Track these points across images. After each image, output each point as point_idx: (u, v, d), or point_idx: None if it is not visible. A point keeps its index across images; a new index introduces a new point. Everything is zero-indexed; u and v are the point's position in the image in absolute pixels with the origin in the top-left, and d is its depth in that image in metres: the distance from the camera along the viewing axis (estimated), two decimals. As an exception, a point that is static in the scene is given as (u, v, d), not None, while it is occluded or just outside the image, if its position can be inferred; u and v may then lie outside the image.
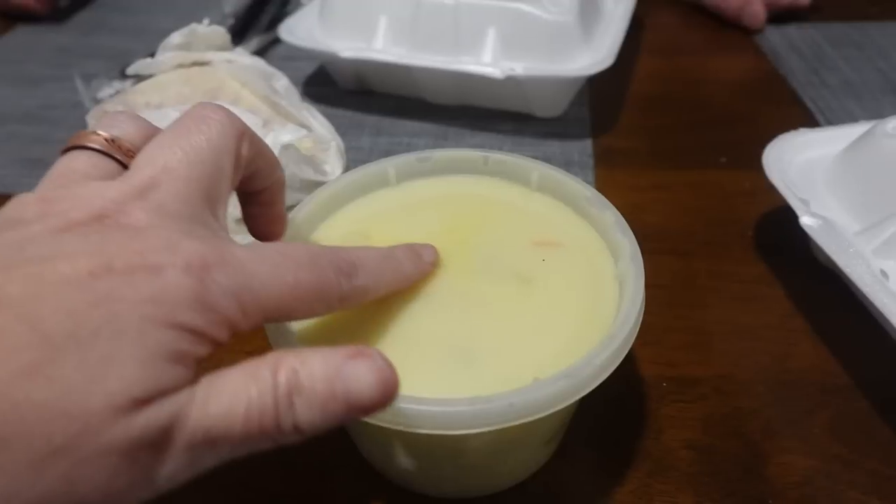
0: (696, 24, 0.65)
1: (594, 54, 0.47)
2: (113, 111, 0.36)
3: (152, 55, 0.42)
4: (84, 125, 0.52)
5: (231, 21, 0.58)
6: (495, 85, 0.47)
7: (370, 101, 0.53)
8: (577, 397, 0.21)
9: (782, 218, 0.41)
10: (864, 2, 0.65)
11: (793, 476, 0.29)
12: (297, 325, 0.24)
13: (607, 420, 0.31)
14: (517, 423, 0.21)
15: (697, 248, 0.40)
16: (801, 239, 0.38)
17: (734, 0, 0.61)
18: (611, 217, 0.27)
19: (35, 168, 0.47)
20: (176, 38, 0.39)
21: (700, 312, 0.36)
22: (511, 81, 0.46)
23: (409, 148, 0.48)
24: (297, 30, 0.51)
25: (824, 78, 0.54)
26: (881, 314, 0.28)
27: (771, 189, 0.42)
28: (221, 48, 0.41)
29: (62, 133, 0.51)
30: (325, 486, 0.28)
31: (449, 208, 0.29)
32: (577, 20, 0.46)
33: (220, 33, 0.40)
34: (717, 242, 0.40)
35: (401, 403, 0.20)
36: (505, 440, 0.24)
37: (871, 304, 0.28)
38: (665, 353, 0.34)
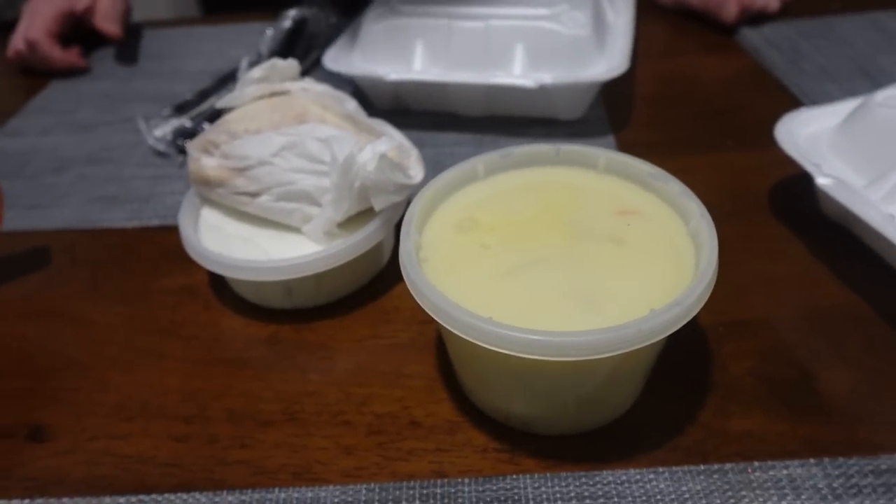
0: (681, 29, 0.73)
1: (609, 61, 0.54)
2: (216, 135, 0.41)
3: (203, 92, 0.46)
4: (148, 160, 0.57)
5: (267, 59, 0.63)
6: (524, 94, 0.53)
7: (408, 119, 0.58)
8: (686, 320, 0.27)
9: (791, 186, 0.48)
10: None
11: (839, 388, 0.34)
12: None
13: (682, 361, 0.36)
14: (643, 345, 0.26)
15: (724, 218, 0.45)
16: (811, 201, 0.45)
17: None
18: (676, 187, 0.33)
19: (111, 204, 0.52)
20: (257, 72, 0.44)
21: (735, 269, 0.42)
22: (540, 90, 0.52)
23: (452, 156, 0.54)
24: (339, 59, 0.57)
25: (802, 67, 0.62)
26: (894, 248, 0.34)
27: (776, 163, 0.49)
28: (294, 79, 0.46)
29: (129, 170, 0.56)
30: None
31: (536, 193, 0.35)
32: (591, 33, 0.53)
33: (294, 66, 0.46)
34: (739, 212, 0.47)
35: (551, 337, 0.26)
36: (624, 368, 0.29)
37: (885, 240, 0.35)
38: (714, 304, 0.39)
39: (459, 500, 0.31)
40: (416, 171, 0.41)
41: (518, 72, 0.53)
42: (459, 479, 0.32)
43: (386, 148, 0.38)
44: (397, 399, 0.36)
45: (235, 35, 0.79)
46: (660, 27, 0.73)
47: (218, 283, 0.44)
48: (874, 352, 0.36)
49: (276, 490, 0.32)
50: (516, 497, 0.31)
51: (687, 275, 0.30)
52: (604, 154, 0.36)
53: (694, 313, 0.27)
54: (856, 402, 0.34)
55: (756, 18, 0.71)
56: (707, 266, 0.28)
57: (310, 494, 0.32)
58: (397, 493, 0.31)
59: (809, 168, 0.39)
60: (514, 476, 0.32)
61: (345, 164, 0.37)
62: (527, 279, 0.30)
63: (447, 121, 0.58)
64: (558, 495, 0.31)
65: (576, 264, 0.30)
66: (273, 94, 0.45)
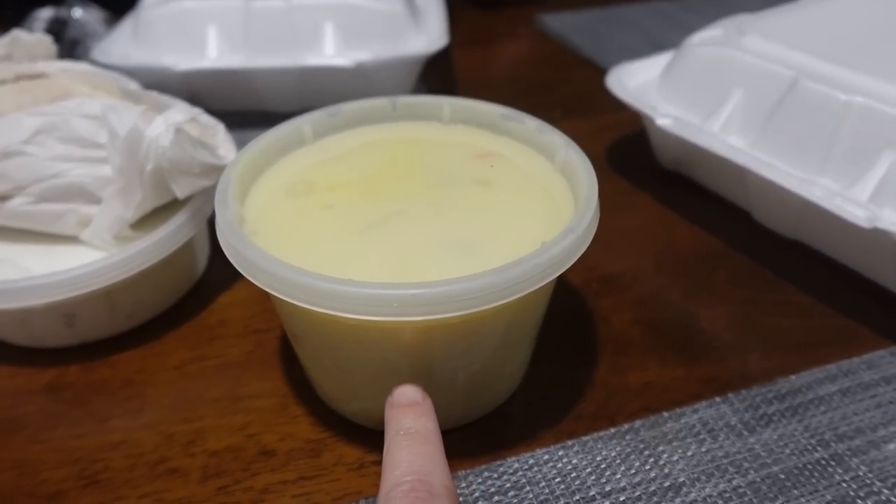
0: (482, 20, 0.73)
1: (428, 36, 0.50)
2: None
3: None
4: None
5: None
6: (341, 78, 0.47)
7: (208, 119, 0.50)
8: (583, 249, 0.23)
9: (623, 146, 0.48)
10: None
11: (719, 322, 0.33)
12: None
13: (564, 324, 0.33)
14: (544, 283, 0.22)
15: (568, 181, 0.44)
16: (646, 156, 0.45)
17: None
18: (532, 123, 0.30)
19: None
20: (-7, 50, 0.34)
21: (593, 228, 0.40)
22: (357, 72, 0.47)
23: (268, 152, 0.46)
24: (112, 51, 0.47)
25: (605, 46, 0.64)
26: (737, 167, 0.34)
27: (605, 128, 0.49)
28: (47, 58, 0.36)
29: None
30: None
31: (378, 151, 0.30)
32: (404, 8, 0.49)
33: (46, 42, 0.36)
34: (581, 175, 0.45)
35: (435, 288, 0.20)
36: (516, 325, 0.24)
37: (733, 167, 0.34)
38: (583, 261, 0.37)
39: (340, 535, 0.24)
40: (227, 150, 0.33)
41: (330, 52, 0.47)
42: (335, 509, 0.25)
43: (182, 118, 0.30)
44: (238, 428, 0.28)
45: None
46: (464, 20, 0.73)
47: (-36, 330, 0.33)
48: (740, 283, 0.35)
49: (75, 585, 0.22)
50: (411, 513, 0.24)
51: (566, 210, 0.26)
52: (447, 102, 0.31)
53: (588, 241, 0.24)
54: (738, 333, 0.32)
55: (550, 7, 0.73)
56: (590, 193, 0.25)
57: (127, 578, 0.23)
58: (254, 546, 0.23)
59: (647, 111, 0.38)
60: (404, 489, 0.25)
61: (129, 140, 0.29)
62: (386, 234, 0.24)
63: (255, 120, 0.50)
64: (460, 499, 0.25)
65: (442, 212, 0.25)
66: (20, 78, 0.35)
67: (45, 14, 0.58)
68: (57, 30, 0.58)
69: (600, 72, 0.57)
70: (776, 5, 0.43)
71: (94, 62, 0.47)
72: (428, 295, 0.20)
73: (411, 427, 0.19)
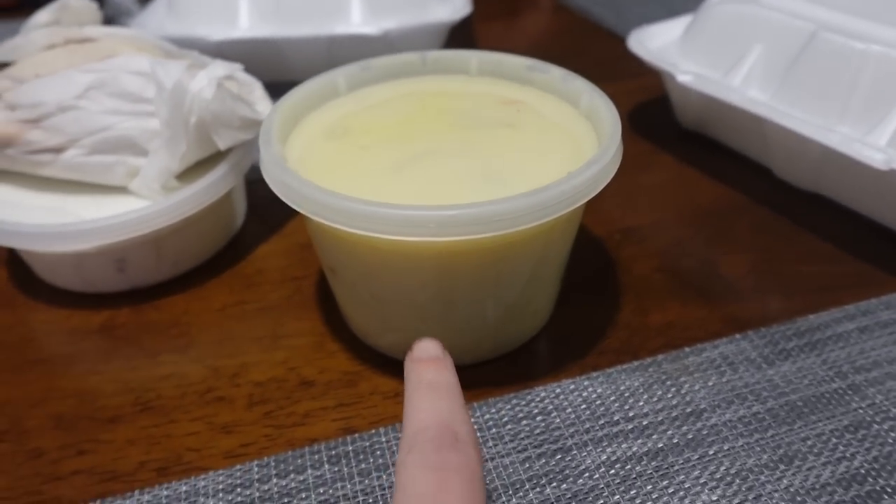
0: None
1: (452, 5, 0.51)
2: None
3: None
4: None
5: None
6: (368, 46, 0.49)
7: (240, 89, 0.52)
8: (607, 180, 0.24)
9: (646, 109, 0.49)
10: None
11: (741, 268, 0.34)
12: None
13: (587, 271, 0.34)
14: (571, 208, 0.23)
15: (591, 143, 0.46)
16: (668, 117, 0.46)
17: None
18: (557, 72, 0.31)
19: None
20: (44, 15, 0.36)
21: (615, 183, 0.41)
22: (383, 40, 0.48)
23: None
24: (148, 24, 0.49)
25: (626, 17, 0.64)
26: (757, 120, 0.35)
27: (627, 93, 0.50)
28: (93, 24, 0.38)
29: None
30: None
31: (409, 101, 0.31)
32: (429, -22, 0.51)
33: (93, 8, 0.38)
34: (603, 137, 0.46)
35: (471, 209, 0.21)
36: (546, 258, 0.26)
37: (754, 119, 0.35)
38: (603, 214, 0.38)
39: (378, 453, 0.25)
40: (264, 106, 0.35)
41: (357, 20, 0.49)
42: (374, 431, 0.26)
43: (223, 73, 0.32)
44: (280, 362, 0.30)
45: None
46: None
47: (23, 279, 0.35)
48: (761, 233, 0.36)
49: (136, 493, 0.24)
50: (444, 434, 0.26)
51: (590, 149, 0.27)
52: (475, 55, 0.33)
53: (612, 174, 0.25)
54: (759, 278, 0.33)
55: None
56: (613, 131, 0.26)
57: (184, 488, 0.24)
58: (299, 461, 0.25)
59: (668, 68, 0.39)
60: (437, 414, 0.27)
61: (174, 93, 0.30)
62: (420, 170, 0.25)
63: (286, 89, 0.52)
64: (491, 422, 0.26)
65: (471, 150, 0.26)
66: (69, 42, 0.36)
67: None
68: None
69: (621, 41, 0.58)
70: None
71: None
72: (462, 216, 0.21)
73: (433, 379, 0.19)
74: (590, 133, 0.28)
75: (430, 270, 0.24)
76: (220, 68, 0.32)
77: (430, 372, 0.19)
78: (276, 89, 0.51)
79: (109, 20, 0.61)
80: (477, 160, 0.26)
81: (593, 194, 0.24)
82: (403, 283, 0.25)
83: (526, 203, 0.22)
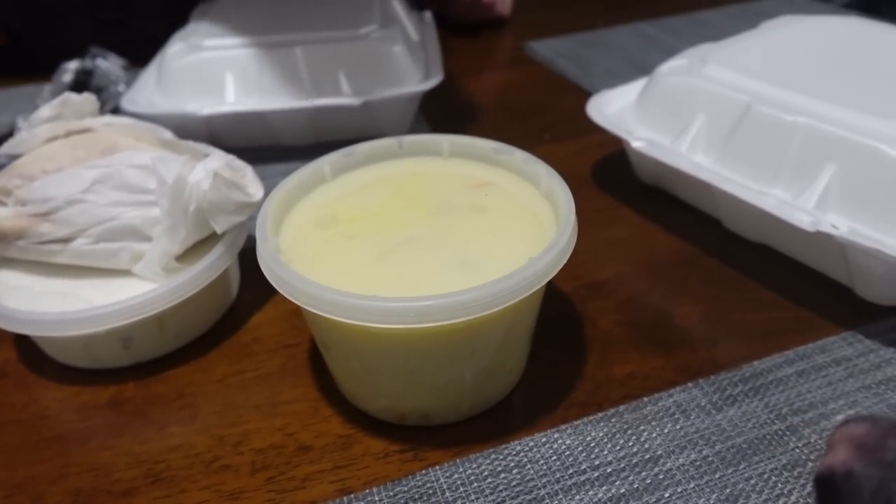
0: (474, 50, 0.78)
1: (425, 73, 0.55)
2: (5, 180, 0.36)
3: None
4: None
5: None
6: (348, 113, 0.52)
7: (228, 157, 0.55)
8: (563, 262, 0.28)
9: (607, 164, 0.53)
10: (591, 17, 0.83)
11: (693, 319, 0.37)
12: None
13: (556, 327, 0.37)
14: (531, 292, 0.26)
15: (557, 199, 0.49)
16: (628, 172, 0.50)
17: None
18: (520, 155, 0.35)
19: None
20: (46, 111, 0.39)
21: (580, 240, 0.44)
22: (364, 107, 0.52)
23: (284, 185, 0.51)
24: (139, 100, 0.52)
25: (590, 70, 0.69)
26: (705, 185, 0.39)
27: (590, 148, 0.54)
28: (93, 115, 0.41)
29: None
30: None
31: (388, 184, 0.34)
32: (403, 49, 0.54)
33: (92, 100, 0.41)
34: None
35: (443, 300, 0.25)
36: (515, 326, 0.29)
37: (699, 183, 0.39)
38: (571, 270, 0.41)
39: (372, 512, 0.28)
40: (255, 189, 0.38)
41: (339, 92, 0.52)
42: (367, 490, 0.29)
43: (218, 164, 0.35)
44: (278, 429, 0.32)
45: (4, 101, 0.69)
46: (457, 49, 0.78)
47: (32, 358, 0.37)
48: (712, 284, 0.40)
49: (155, 561, 0.27)
50: (431, 491, 0.29)
51: (550, 228, 0.31)
52: (446, 139, 0.36)
53: (568, 255, 0.28)
54: (710, 327, 0.37)
55: (540, 31, 0.78)
56: (567, 215, 0.30)
57: (198, 553, 0.27)
58: (301, 523, 0.28)
59: (623, 135, 0.43)
60: (423, 472, 0.30)
61: (175, 186, 0.33)
62: (401, 258, 0.29)
63: (270, 154, 0.56)
64: (472, 477, 0.29)
65: (445, 236, 0.30)
66: (70, 133, 0.40)
67: (73, 66, 0.63)
68: (83, 79, 0.63)
69: (585, 95, 0.63)
70: (740, 28, 0.49)
71: (123, 110, 0.52)
72: (438, 305, 0.24)
73: None
74: (549, 213, 0.32)
75: (412, 348, 0.27)
76: (215, 160, 0.35)
77: None
78: (262, 154, 0.54)
79: (99, 89, 0.64)
80: (450, 246, 0.29)
81: (553, 275, 0.27)
82: (390, 358, 0.28)
83: (493, 290, 0.25)
